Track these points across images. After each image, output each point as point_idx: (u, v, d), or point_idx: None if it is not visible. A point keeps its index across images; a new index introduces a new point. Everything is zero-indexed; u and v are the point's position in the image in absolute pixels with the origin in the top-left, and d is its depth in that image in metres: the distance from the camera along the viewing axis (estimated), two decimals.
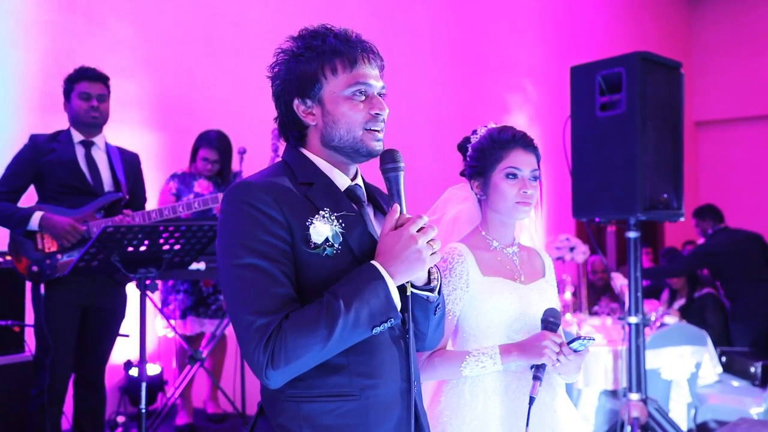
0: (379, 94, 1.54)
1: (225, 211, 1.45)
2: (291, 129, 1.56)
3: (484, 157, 2.05)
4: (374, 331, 1.40)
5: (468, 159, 2.10)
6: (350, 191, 1.55)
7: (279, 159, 1.61)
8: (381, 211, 1.62)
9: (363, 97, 1.51)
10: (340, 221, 1.46)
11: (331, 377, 1.43)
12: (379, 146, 1.53)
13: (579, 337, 1.86)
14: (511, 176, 2.01)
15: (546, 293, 2.07)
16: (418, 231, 1.43)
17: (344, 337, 1.37)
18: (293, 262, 1.43)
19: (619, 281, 5.06)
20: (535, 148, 2.06)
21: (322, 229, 1.43)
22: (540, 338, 1.88)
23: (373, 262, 1.42)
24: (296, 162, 1.54)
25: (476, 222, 2.13)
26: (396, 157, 1.51)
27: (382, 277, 1.40)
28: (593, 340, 1.88)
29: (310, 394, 1.43)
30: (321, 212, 1.45)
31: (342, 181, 1.55)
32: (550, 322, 1.90)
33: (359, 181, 1.61)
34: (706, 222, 6.08)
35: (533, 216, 2.19)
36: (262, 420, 1.50)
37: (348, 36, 1.53)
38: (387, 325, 1.41)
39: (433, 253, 1.44)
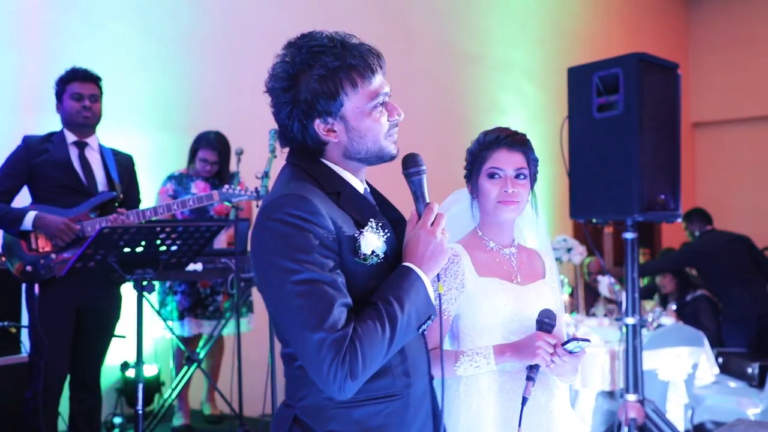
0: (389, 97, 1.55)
1: (272, 226, 1.42)
2: (306, 146, 1.53)
3: (474, 159, 2.09)
4: (419, 330, 1.48)
5: (465, 162, 2.14)
6: (365, 197, 1.58)
7: (290, 166, 1.57)
8: (386, 214, 1.62)
9: (382, 107, 1.53)
10: (385, 230, 1.50)
11: (378, 380, 1.48)
12: (396, 148, 1.57)
13: (574, 339, 1.86)
14: (492, 176, 2.03)
15: (544, 294, 2.06)
16: (432, 224, 1.51)
17: (401, 339, 1.44)
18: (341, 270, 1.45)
19: (604, 283, 5.08)
20: (523, 146, 2.05)
21: (372, 240, 1.47)
22: (534, 339, 1.88)
23: (407, 264, 1.48)
24: (318, 172, 1.52)
25: (469, 223, 2.13)
26: (418, 161, 1.56)
27: (420, 278, 1.47)
28: (589, 341, 1.88)
29: (360, 399, 1.46)
30: (370, 223, 1.48)
31: (358, 186, 1.57)
32: (545, 323, 1.91)
33: (366, 186, 1.64)
34: (694, 225, 6.13)
35: (532, 215, 2.19)
36: (297, 428, 1.50)
37: (356, 45, 1.50)
38: (429, 322, 1.49)
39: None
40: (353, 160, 1.54)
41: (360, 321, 1.40)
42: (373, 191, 1.66)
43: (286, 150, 1.60)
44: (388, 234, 1.51)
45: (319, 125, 1.49)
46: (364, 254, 1.46)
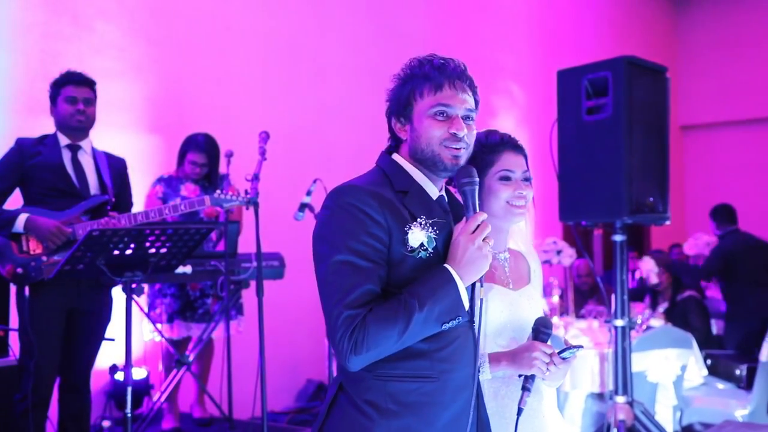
0: (466, 116, 1.71)
1: (331, 209, 1.62)
2: (391, 140, 1.78)
3: (476, 163, 2.00)
4: (443, 327, 1.59)
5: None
6: (439, 201, 1.73)
7: (375, 167, 1.77)
8: (459, 219, 1.76)
9: (443, 117, 1.69)
10: (435, 228, 1.64)
11: (415, 360, 1.61)
12: (455, 162, 1.70)
13: (569, 347, 1.85)
14: (505, 179, 2.00)
15: (534, 299, 2.06)
16: (474, 232, 1.62)
17: (417, 331, 1.55)
18: (387, 261, 1.60)
19: (647, 267, 5.11)
20: (523, 149, 2.06)
21: (419, 235, 1.62)
22: (530, 349, 1.86)
23: (446, 265, 1.61)
24: (392, 170, 1.73)
25: None
26: (471, 172, 1.69)
27: (453, 280, 1.59)
28: (581, 347, 1.89)
29: (396, 374, 1.61)
30: (419, 219, 1.63)
31: (432, 191, 1.73)
32: (542, 332, 1.89)
33: (444, 193, 1.79)
34: (717, 222, 6.25)
35: (526, 218, 2.19)
36: (343, 396, 1.67)
37: (443, 64, 1.72)
38: (455, 322, 1.60)
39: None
40: (417, 161, 1.72)
41: (378, 306, 1.55)
42: (453, 200, 1.81)
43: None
44: (438, 231, 1.64)
45: (395, 123, 1.76)
46: (411, 247, 1.61)
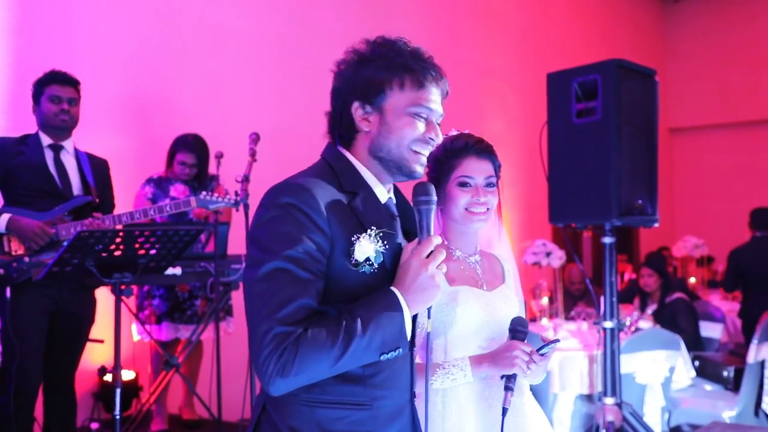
0: (438, 122, 1.58)
1: (270, 208, 1.43)
2: (341, 128, 1.57)
3: (439, 167, 2.04)
4: (381, 357, 1.42)
5: (428, 169, 2.09)
6: (387, 205, 1.58)
7: (320, 160, 1.60)
8: (405, 225, 1.63)
9: (421, 119, 1.54)
10: (384, 241, 1.47)
11: (347, 386, 1.46)
12: (420, 170, 1.56)
13: (546, 344, 1.88)
14: (463, 185, 2.00)
15: (509, 299, 2.07)
16: (428, 256, 1.45)
17: (355, 358, 1.39)
18: (325, 272, 1.43)
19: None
20: (491, 154, 2.04)
21: (366, 249, 1.44)
22: (510, 348, 1.87)
23: (394, 290, 1.44)
24: (341, 166, 1.54)
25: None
26: (428, 190, 1.51)
27: (400, 309, 1.42)
28: (558, 341, 1.91)
29: (325, 400, 1.45)
30: (369, 231, 1.46)
31: (381, 193, 1.57)
32: (519, 331, 1.91)
33: (392, 195, 1.64)
34: (752, 225, 6.40)
35: (496, 222, 2.18)
36: (266, 420, 1.50)
37: (422, 55, 1.55)
38: (394, 354, 1.43)
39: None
40: (377, 159, 1.54)
41: (314, 326, 1.37)
42: (402, 204, 1.65)
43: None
44: (387, 245, 1.47)
45: (357, 109, 1.53)
46: (356, 260, 1.44)
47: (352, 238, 1.44)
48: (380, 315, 1.40)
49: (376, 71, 1.52)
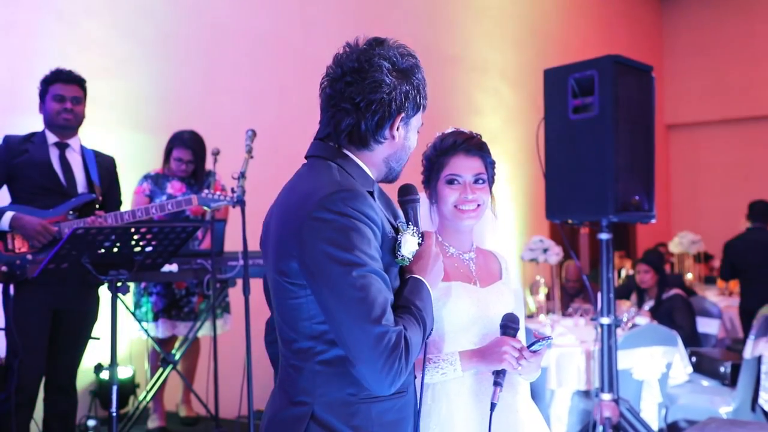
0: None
1: (332, 217, 1.43)
2: (362, 132, 1.56)
3: (431, 165, 2.06)
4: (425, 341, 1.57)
5: (422, 168, 2.12)
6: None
7: (322, 161, 1.59)
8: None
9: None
10: (419, 236, 1.61)
11: None
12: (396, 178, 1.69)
13: (538, 340, 1.87)
14: (450, 182, 2.01)
15: (504, 295, 2.07)
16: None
17: (423, 342, 1.55)
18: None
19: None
20: (480, 150, 2.04)
21: (411, 244, 1.57)
22: (499, 344, 1.87)
23: (421, 278, 1.58)
24: (353, 170, 1.57)
25: (428, 228, 2.11)
26: (413, 190, 1.67)
27: (430, 294, 1.58)
28: (551, 338, 1.90)
29: (377, 394, 1.53)
30: (409, 226, 1.60)
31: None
32: (510, 327, 1.90)
33: None
34: (750, 217, 6.45)
35: (491, 218, 2.18)
36: (317, 426, 1.51)
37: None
38: (428, 336, 1.58)
39: None
40: (387, 167, 1.63)
41: (404, 320, 1.48)
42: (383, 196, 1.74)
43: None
44: (421, 240, 1.61)
45: (396, 122, 1.58)
46: (403, 255, 1.55)
47: (396, 235, 1.56)
48: (428, 301, 1.56)
49: (419, 89, 1.61)
